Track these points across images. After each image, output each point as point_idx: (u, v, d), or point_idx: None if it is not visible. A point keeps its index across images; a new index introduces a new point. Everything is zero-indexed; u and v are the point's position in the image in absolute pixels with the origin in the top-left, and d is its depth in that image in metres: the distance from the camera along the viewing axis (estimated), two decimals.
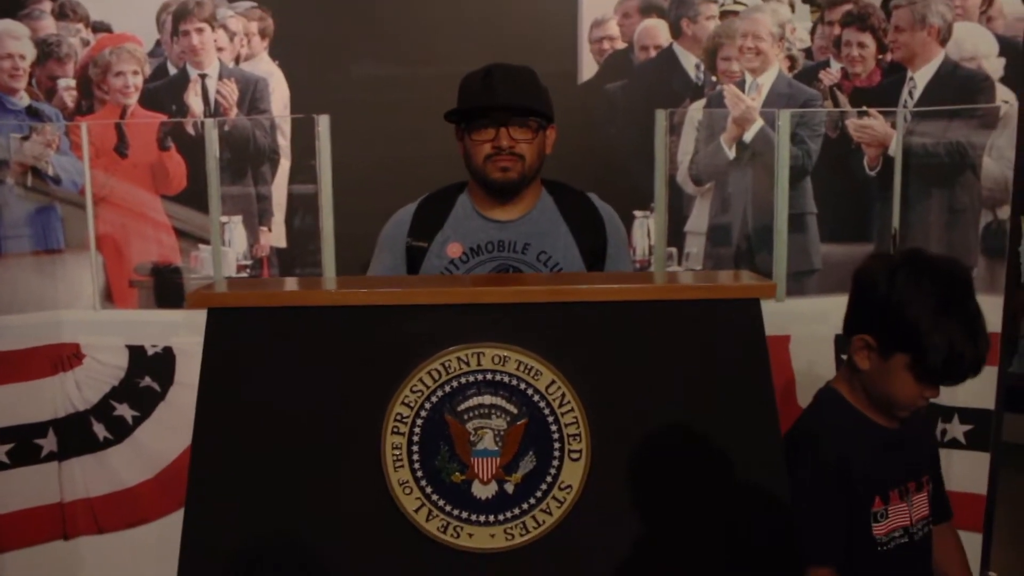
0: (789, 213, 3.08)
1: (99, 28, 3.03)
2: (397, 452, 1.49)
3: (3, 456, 3.05)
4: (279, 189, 3.07)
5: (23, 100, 3.01)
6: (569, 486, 1.52)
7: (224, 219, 3.07)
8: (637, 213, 3.09)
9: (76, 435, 3.12)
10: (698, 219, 3.12)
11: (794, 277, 3.12)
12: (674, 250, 3.13)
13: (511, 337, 1.50)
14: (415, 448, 1.49)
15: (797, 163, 3.05)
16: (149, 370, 3.11)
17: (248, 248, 3.10)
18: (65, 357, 3.10)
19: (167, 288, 3.10)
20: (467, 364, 1.48)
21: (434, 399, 1.49)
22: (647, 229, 3.11)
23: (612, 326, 1.54)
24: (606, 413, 1.53)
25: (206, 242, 3.09)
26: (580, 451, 1.51)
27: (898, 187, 3.08)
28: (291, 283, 1.84)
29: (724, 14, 3.04)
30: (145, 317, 3.10)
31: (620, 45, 3.06)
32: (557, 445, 1.51)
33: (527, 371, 1.50)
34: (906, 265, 1.75)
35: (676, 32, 3.06)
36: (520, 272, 2.18)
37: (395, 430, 1.49)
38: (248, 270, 3.10)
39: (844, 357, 2.00)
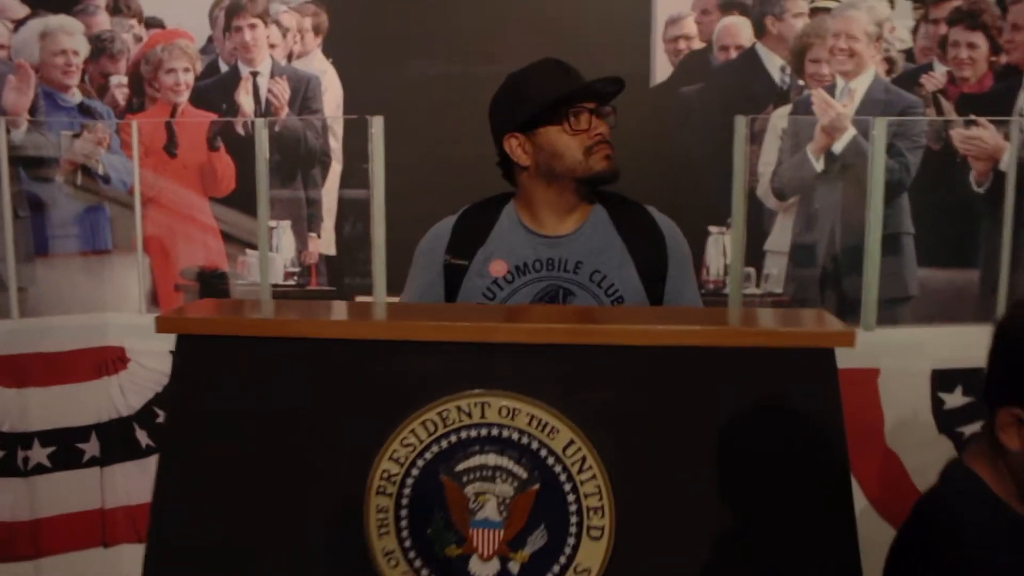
0: (883, 233, 2.86)
1: (152, 24, 2.96)
2: (383, 516, 1.29)
3: (44, 459, 3.00)
4: (330, 193, 2.95)
5: (75, 97, 2.95)
6: (587, 570, 1.28)
7: (272, 224, 2.96)
8: (712, 229, 2.91)
9: (119, 441, 3.06)
10: (780, 237, 2.91)
11: (886, 304, 2.90)
12: (752, 270, 2.92)
13: (523, 385, 1.28)
14: (404, 513, 1.29)
15: (893, 177, 2.83)
16: None
17: (296, 255, 2.97)
18: (110, 361, 3.04)
19: (212, 294, 3.00)
20: (469, 416, 1.27)
21: (428, 456, 1.27)
22: (723, 247, 2.91)
23: (647, 376, 1.29)
24: (635, 483, 1.28)
25: (253, 247, 2.98)
26: (602, 528, 1.28)
27: (1010, 206, 2.84)
28: (275, 309, 1.65)
29: (814, 11, 2.83)
30: None
31: (697, 45, 2.86)
32: (574, 519, 1.28)
33: (541, 427, 1.27)
34: None
35: (760, 31, 2.85)
36: (571, 294, 1.96)
37: (381, 490, 1.28)
38: (295, 277, 2.98)
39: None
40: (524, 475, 1.27)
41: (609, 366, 1.30)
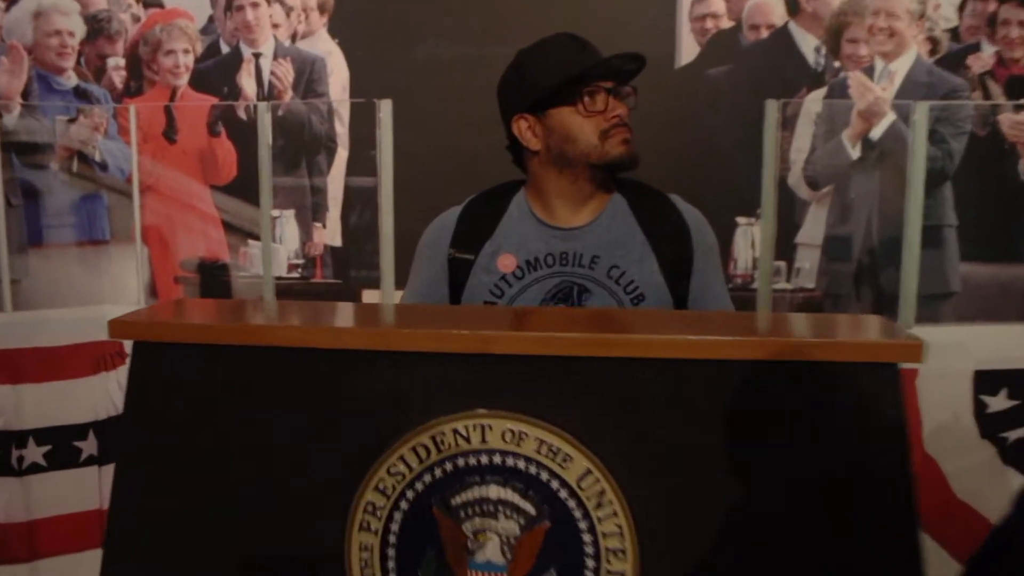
0: (923, 224, 2.62)
1: (151, 3, 2.84)
2: (366, 556, 1.13)
3: (40, 458, 2.87)
4: (335, 181, 2.82)
5: (71, 80, 2.83)
6: None
7: (275, 213, 2.81)
8: (741, 220, 2.75)
9: (118, 439, 2.93)
10: (812, 229, 2.77)
11: (926, 301, 2.70)
12: (783, 264, 2.78)
13: (531, 405, 1.10)
14: (391, 552, 1.12)
15: (935, 165, 2.67)
16: None
17: (300, 246, 2.84)
18: (107, 356, 2.90)
19: (214, 286, 2.88)
20: (467, 440, 1.11)
21: (419, 487, 1.11)
22: (751, 239, 2.76)
23: (677, 396, 1.11)
24: (662, 521, 1.10)
25: (256, 237, 2.83)
26: (622, 574, 1.11)
27: None
28: (249, 311, 1.46)
29: None
30: None
31: (726, 24, 2.72)
32: (590, 563, 1.10)
33: (552, 455, 1.11)
34: None
35: (793, 9, 2.69)
36: (586, 291, 1.79)
37: (365, 525, 1.13)
38: (300, 270, 2.84)
39: None
40: (532, 510, 1.10)
41: (632, 383, 1.13)
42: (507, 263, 1.83)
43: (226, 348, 1.13)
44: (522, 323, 1.31)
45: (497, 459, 1.10)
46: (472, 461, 1.11)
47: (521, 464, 1.11)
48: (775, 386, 1.10)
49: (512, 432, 1.11)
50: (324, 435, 1.13)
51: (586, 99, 1.75)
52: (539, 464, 1.11)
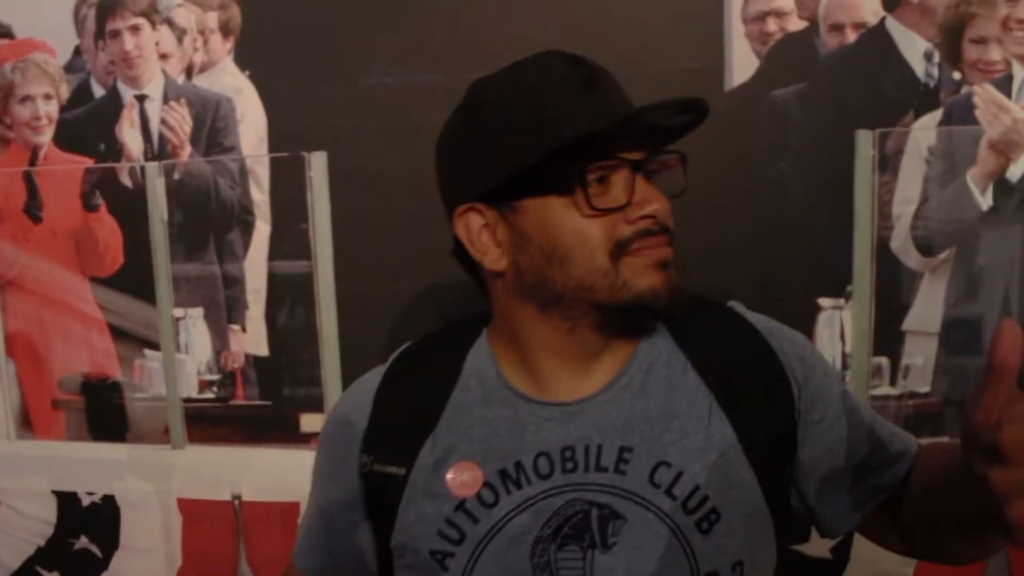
0: None
1: None
2: None
3: None
4: (255, 267, 2.08)
5: None
6: None
7: (178, 313, 2.10)
8: (825, 303, 1.98)
9: None
10: (926, 310, 2.00)
11: None
12: (885, 360, 1.99)
13: None
14: None
15: None
16: (85, 527, 2.19)
17: (214, 356, 2.10)
18: None
19: (104, 412, 2.17)
20: None
21: None
22: (840, 328, 1.99)
23: None
24: None
25: (154, 346, 2.11)
26: None
27: None
28: None
29: None
30: (77, 452, 2.19)
31: (796, 24, 1.93)
32: None
33: None
34: None
35: (892, 0, 1.89)
36: (616, 517, 1.00)
37: None
38: (214, 388, 2.10)
39: None
40: None
41: None
42: (465, 480, 1.02)
43: None
44: None
45: None
46: None
47: None
48: None
49: None
50: None
51: (592, 183, 0.97)
52: None
